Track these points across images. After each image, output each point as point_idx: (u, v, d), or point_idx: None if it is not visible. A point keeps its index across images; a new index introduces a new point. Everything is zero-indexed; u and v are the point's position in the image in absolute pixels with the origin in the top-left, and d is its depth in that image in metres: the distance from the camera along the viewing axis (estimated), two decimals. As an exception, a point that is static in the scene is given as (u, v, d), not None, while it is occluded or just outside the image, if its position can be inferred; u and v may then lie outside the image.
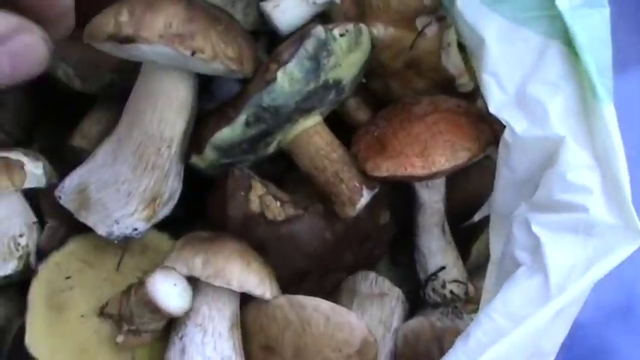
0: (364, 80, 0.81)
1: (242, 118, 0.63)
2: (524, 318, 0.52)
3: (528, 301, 0.53)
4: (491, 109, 0.60)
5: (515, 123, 0.58)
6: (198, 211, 0.79)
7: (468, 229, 0.85)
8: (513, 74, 0.60)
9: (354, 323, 0.62)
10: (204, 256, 0.64)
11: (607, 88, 0.55)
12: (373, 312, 0.73)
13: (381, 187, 0.73)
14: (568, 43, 0.57)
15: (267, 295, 0.65)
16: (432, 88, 0.77)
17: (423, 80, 0.77)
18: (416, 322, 0.72)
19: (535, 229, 0.55)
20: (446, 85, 0.77)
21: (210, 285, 0.63)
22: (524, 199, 0.58)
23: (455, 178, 0.79)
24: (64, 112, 0.88)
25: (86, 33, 0.59)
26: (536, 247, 0.55)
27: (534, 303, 0.52)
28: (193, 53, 0.57)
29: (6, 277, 0.67)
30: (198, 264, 0.63)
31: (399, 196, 0.81)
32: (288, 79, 0.62)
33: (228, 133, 0.64)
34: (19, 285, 0.73)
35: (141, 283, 0.64)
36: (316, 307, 0.63)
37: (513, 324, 0.52)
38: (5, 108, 0.74)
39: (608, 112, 0.54)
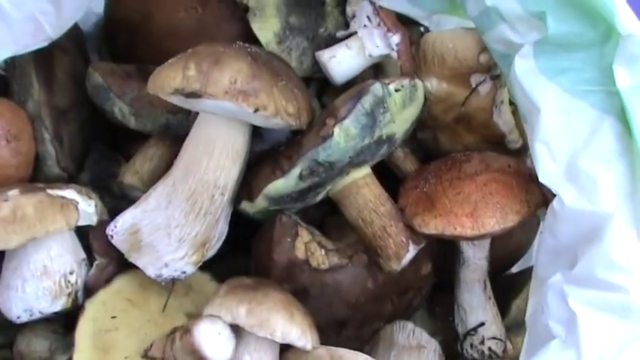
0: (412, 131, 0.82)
1: (296, 172, 0.64)
2: None
3: None
4: (541, 178, 0.60)
5: (564, 193, 0.58)
6: (240, 247, 0.80)
7: (508, 285, 0.86)
8: (566, 145, 0.60)
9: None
10: (248, 305, 0.64)
11: None
12: (410, 364, 0.73)
13: (428, 242, 0.74)
14: (623, 120, 0.57)
15: (309, 347, 0.65)
16: (481, 143, 0.77)
17: (472, 135, 0.77)
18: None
19: (572, 303, 0.55)
20: (495, 142, 0.77)
21: (253, 334, 0.64)
22: (563, 267, 0.58)
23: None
24: (113, 142, 0.90)
25: (152, 83, 0.60)
26: (571, 322, 0.55)
27: None
28: (256, 110, 0.58)
29: (54, 313, 0.68)
30: (242, 313, 0.64)
31: (439, 248, 0.81)
32: (344, 135, 0.63)
33: (281, 184, 0.65)
34: (62, 318, 0.75)
35: (186, 331, 0.64)
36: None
37: None
38: (60, 143, 0.75)
39: None
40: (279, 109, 0.60)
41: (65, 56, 0.79)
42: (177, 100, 0.60)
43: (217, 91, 0.57)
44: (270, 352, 0.66)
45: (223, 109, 0.59)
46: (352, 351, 0.66)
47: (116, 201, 0.80)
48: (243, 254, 0.79)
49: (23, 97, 0.75)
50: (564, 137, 0.60)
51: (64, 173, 0.76)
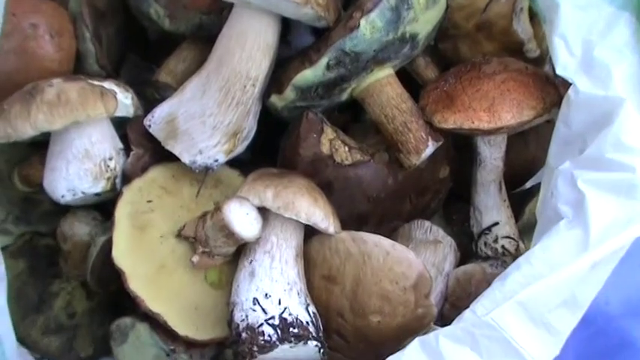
0: (433, 42, 0.85)
1: (324, 61, 0.68)
2: (562, 265, 0.55)
3: (567, 251, 0.56)
4: (558, 70, 0.63)
5: (580, 82, 0.61)
6: (264, 155, 0.84)
7: (522, 193, 0.89)
8: (582, 38, 0.62)
9: (412, 259, 0.66)
10: (275, 189, 0.68)
11: None
12: (427, 256, 0.77)
13: (444, 144, 0.77)
14: (638, 16, 0.60)
15: (331, 230, 0.69)
16: (500, 51, 0.80)
17: (492, 43, 0.80)
18: (469, 266, 0.76)
19: (581, 185, 0.58)
20: (513, 49, 0.80)
21: (279, 216, 0.68)
22: (573, 155, 0.62)
23: (513, 144, 0.82)
24: (147, 51, 0.94)
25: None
26: (579, 202, 0.58)
27: (573, 252, 0.56)
28: (288, -4, 0.62)
29: (96, 194, 0.73)
30: (269, 196, 0.68)
31: (459, 156, 0.85)
32: (370, 27, 0.66)
33: (309, 74, 0.68)
34: (100, 208, 0.80)
35: (217, 209, 0.69)
36: (377, 242, 0.67)
37: (550, 270, 0.56)
38: (99, 42, 0.79)
39: None
40: (309, -2, 0.63)
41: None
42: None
43: (252, -24, 0.61)
44: (295, 234, 0.70)
45: (257, -5, 0.63)
46: (374, 234, 0.69)
47: (149, 106, 0.84)
48: (270, 163, 0.83)
49: (66, -2, 0.79)
50: (581, 31, 0.63)
51: (103, 71, 0.80)
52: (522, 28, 0.78)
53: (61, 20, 0.76)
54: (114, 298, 0.81)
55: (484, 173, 0.79)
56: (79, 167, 0.71)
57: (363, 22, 0.66)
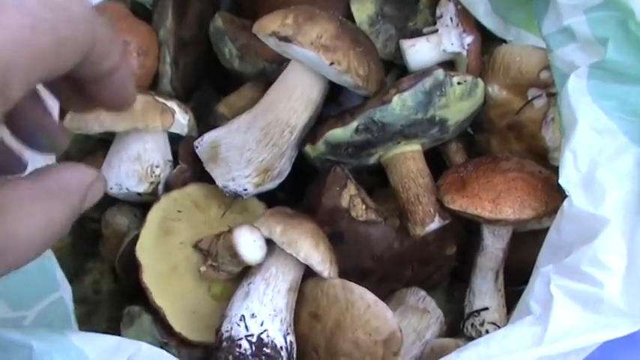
0: (472, 132, 0.92)
1: (354, 124, 0.76)
2: (513, 352, 0.60)
3: (523, 342, 0.60)
4: (561, 180, 0.68)
5: (576, 196, 0.66)
6: (296, 198, 0.93)
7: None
8: (591, 158, 0.67)
9: (388, 317, 0.72)
10: (284, 227, 0.76)
11: None
12: (411, 321, 0.82)
13: (455, 224, 0.83)
14: None
15: (326, 274, 0.76)
16: (527, 152, 0.86)
17: (520, 144, 0.86)
18: (446, 340, 0.81)
19: (553, 288, 0.63)
20: (539, 154, 0.85)
21: (283, 251, 0.75)
22: (559, 260, 0.66)
23: (531, 241, 0.87)
24: (224, 86, 1.06)
25: (257, 24, 0.74)
26: (548, 303, 0.62)
27: (527, 344, 0.60)
28: (332, 63, 0.71)
29: (139, 194, 0.84)
30: (277, 231, 0.76)
31: (470, 240, 0.90)
32: (401, 104, 0.74)
33: (339, 132, 0.77)
34: (142, 207, 0.90)
35: (229, 231, 0.77)
36: (362, 295, 0.73)
37: (502, 354, 0.60)
38: (177, 67, 0.91)
39: None
40: (351, 68, 0.72)
41: (198, 2, 0.96)
42: (272, 42, 0.74)
43: (305, 41, 0.71)
44: (294, 269, 0.77)
45: (306, 57, 0.72)
46: (363, 287, 0.76)
47: (207, 130, 0.95)
48: (296, 204, 0.92)
49: (158, 25, 0.92)
50: (591, 151, 0.68)
51: (173, 92, 0.92)
52: (550, 136, 0.84)
53: (149, 42, 0.89)
54: (135, 287, 0.91)
55: (484, 260, 0.85)
56: (130, 167, 0.83)
57: (395, 98, 0.74)
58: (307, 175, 0.90)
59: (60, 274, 0.74)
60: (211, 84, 1.05)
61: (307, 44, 0.71)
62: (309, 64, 0.75)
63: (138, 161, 0.83)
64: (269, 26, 0.73)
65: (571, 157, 0.69)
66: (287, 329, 0.73)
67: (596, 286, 0.62)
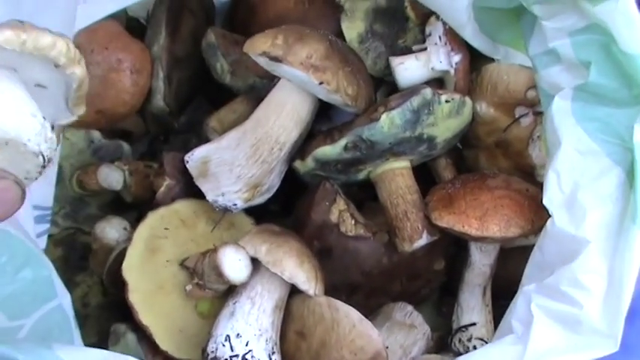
0: (460, 146, 0.93)
1: (343, 142, 0.77)
2: None
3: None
4: (545, 200, 0.69)
5: (558, 216, 0.67)
6: (288, 210, 0.94)
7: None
8: (574, 179, 0.68)
9: (373, 337, 0.72)
10: (269, 245, 0.76)
11: None
12: (398, 337, 0.83)
13: (444, 240, 0.84)
14: (629, 173, 0.64)
15: (311, 292, 0.76)
16: (514, 169, 0.87)
17: (507, 161, 0.88)
18: (432, 356, 0.82)
19: (533, 308, 0.64)
20: (526, 171, 0.86)
21: (268, 270, 0.75)
22: (542, 279, 0.67)
23: (507, 257, 0.88)
24: (217, 100, 1.07)
25: (248, 43, 0.75)
26: (528, 323, 0.63)
27: None
28: (321, 83, 0.72)
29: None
30: (262, 250, 0.76)
31: (460, 258, 0.91)
32: (389, 122, 0.75)
33: (328, 149, 0.78)
34: (132, 220, 0.91)
35: (215, 250, 0.78)
36: (348, 313, 0.74)
37: None
38: (170, 83, 0.92)
39: (639, 239, 0.61)
40: (340, 88, 0.73)
41: (192, 18, 0.97)
42: (263, 62, 0.75)
43: (294, 61, 0.72)
44: (280, 288, 0.77)
45: (296, 76, 0.74)
46: (349, 306, 0.76)
47: (201, 143, 0.96)
48: (286, 217, 0.92)
49: (152, 41, 0.93)
50: (574, 172, 0.68)
51: (167, 108, 0.93)
52: (537, 154, 0.85)
53: (143, 60, 0.90)
54: (123, 301, 0.91)
55: (472, 276, 0.85)
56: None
57: (384, 116, 0.75)
58: (299, 187, 0.91)
59: (58, 282, 0.74)
60: (205, 98, 1.06)
61: (297, 64, 0.72)
62: (298, 83, 0.76)
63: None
64: (260, 46, 0.73)
65: (555, 177, 0.70)
66: (272, 348, 0.74)
67: (575, 307, 0.62)
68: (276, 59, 0.72)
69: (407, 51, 0.89)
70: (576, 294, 0.63)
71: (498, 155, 0.88)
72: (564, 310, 0.63)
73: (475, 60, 0.88)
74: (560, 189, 0.69)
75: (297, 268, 0.74)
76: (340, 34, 0.88)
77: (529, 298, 0.66)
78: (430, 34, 0.87)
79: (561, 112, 0.71)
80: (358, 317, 0.73)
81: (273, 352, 0.74)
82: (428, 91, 0.76)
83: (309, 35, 0.74)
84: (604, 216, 0.65)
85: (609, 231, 0.64)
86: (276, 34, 0.74)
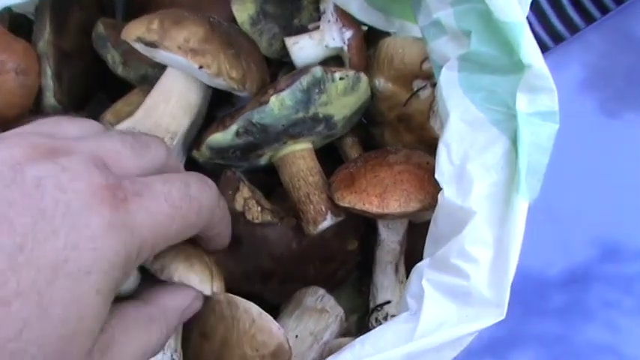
0: (367, 123, 0.91)
1: (234, 128, 0.75)
2: (384, 350, 0.59)
3: (395, 339, 0.60)
4: (436, 174, 0.68)
5: (447, 189, 0.66)
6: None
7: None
8: (464, 150, 0.67)
9: (273, 330, 0.70)
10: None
11: (531, 189, 0.61)
12: (308, 324, 0.81)
13: (354, 219, 0.83)
14: (514, 141, 0.64)
15: (207, 292, 0.72)
16: (418, 143, 0.86)
17: (410, 135, 0.87)
18: (344, 339, 0.80)
19: (424, 283, 0.63)
20: (430, 144, 0.85)
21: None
22: (433, 254, 0.66)
23: (419, 234, 0.86)
24: (117, 95, 1.03)
25: (124, 31, 0.72)
26: (420, 298, 0.62)
27: (398, 341, 0.60)
28: (201, 67, 0.70)
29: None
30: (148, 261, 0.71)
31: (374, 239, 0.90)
32: (279, 104, 0.73)
33: (220, 137, 0.76)
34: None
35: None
36: (247, 309, 0.71)
37: (374, 352, 0.59)
38: (60, 80, 0.88)
39: (523, 208, 0.61)
40: (222, 71, 0.71)
41: (80, 11, 0.93)
42: (140, 48, 0.72)
43: (171, 45, 0.69)
44: None
45: (175, 61, 0.71)
46: (247, 301, 0.73)
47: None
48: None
49: (37, 37, 0.88)
50: (463, 143, 0.67)
51: (59, 105, 0.89)
52: (438, 126, 0.84)
53: (28, 60, 0.86)
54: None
55: (382, 254, 0.84)
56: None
57: (273, 98, 0.73)
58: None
59: None
60: (106, 94, 1.02)
61: (174, 49, 0.69)
62: (180, 68, 0.73)
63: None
64: (134, 32, 0.71)
65: (445, 150, 0.69)
66: (171, 355, 0.72)
67: (463, 278, 0.62)
68: (152, 44, 0.69)
69: (303, 30, 0.87)
70: (464, 265, 0.62)
71: (401, 130, 0.87)
72: (454, 282, 0.62)
73: (376, 36, 0.87)
74: (451, 161, 0.68)
75: (187, 271, 0.70)
76: (235, 20, 0.86)
77: (421, 273, 0.65)
78: (324, 12, 0.85)
79: (449, 83, 0.70)
80: (257, 312, 0.71)
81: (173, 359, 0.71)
82: (318, 70, 0.75)
83: (187, 18, 0.71)
84: (489, 186, 0.64)
85: (495, 201, 0.63)
86: (151, 19, 0.71)
